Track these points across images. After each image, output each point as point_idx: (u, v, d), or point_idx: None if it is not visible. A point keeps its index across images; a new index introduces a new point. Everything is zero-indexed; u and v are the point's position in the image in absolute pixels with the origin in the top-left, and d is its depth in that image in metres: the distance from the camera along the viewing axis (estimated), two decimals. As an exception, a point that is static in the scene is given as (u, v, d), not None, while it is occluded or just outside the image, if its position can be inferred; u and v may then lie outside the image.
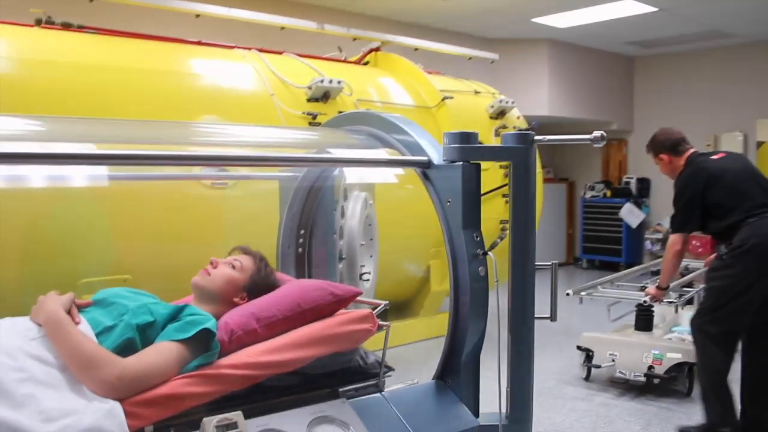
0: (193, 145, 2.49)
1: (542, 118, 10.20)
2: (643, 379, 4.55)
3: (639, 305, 4.74)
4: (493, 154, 2.26)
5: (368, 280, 3.25)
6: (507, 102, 6.38)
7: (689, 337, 4.53)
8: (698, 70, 11.07)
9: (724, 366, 3.75)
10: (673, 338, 4.90)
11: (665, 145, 4.01)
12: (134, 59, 4.59)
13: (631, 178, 11.45)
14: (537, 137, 2.10)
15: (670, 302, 4.71)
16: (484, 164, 2.11)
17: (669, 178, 4.09)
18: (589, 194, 11.44)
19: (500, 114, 6.39)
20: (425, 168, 2.15)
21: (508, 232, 6.18)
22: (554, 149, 12.11)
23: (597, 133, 2.06)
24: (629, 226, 10.80)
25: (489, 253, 2.07)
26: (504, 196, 6.18)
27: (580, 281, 10.26)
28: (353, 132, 2.40)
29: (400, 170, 2.66)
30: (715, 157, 3.95)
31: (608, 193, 11.32)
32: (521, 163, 2.08)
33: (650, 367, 4.51)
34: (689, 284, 5.21)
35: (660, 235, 10.73)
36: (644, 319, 4.90)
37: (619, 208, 10.82)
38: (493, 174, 5.92)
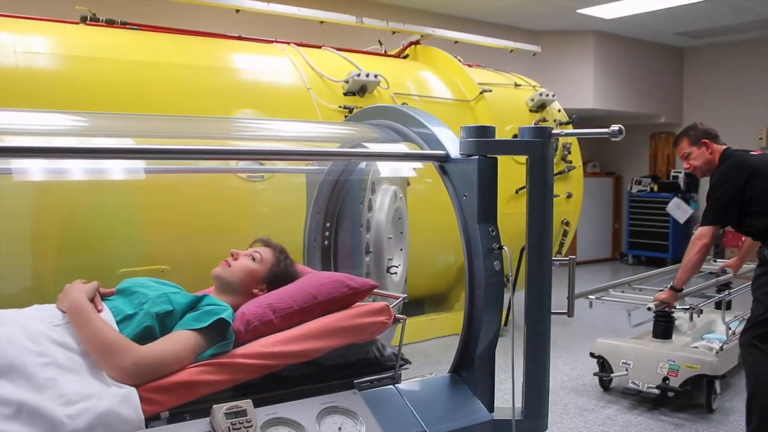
0: (218, 140, 2.56)
1: (588, 111, 10.08)
2: (656, 391, 4.18)
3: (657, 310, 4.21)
4: (510, 147, 2.25)
5: (396, 273, 3.27)
6: (547, 95, 6.32)
7: (717, 346, 4.36)
8: (751, 60, 10.77)
9: None
10: (700, 347, 4.53)
11: (710, 133, 3.78)
12: (175, 55, 4.69)
13: (680, 172, 11.21)
14: (555, 131, 2.09)
15: (686, 309, 4.31)
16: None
17: (698, 175, 3.87)
18: (635, 189, 11.25)
19: (540, 107, 6.33)
20: (443, 162, 2.16)
21: (570, 231, 6.16)
22: (601, 143, 11.93)
23: (615, 127, 2.03)
24: (677, 221, 10.58)
25: (504, 247, 2.07)
26: (569, 196, 6.20)
27: (624, 277, 10.12)
28: (374, 126, 2.43)
29: (431, 163, 2.68)
30: (754, 152, 3.76)
31: (655, 188, 11.12)
32: (538, 157, 2.07)
33: (665, 379, 4.15)
34: (724, 285, 4.83)
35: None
36: (663, 326, 4.48)
37: (667, 202, 10.59)
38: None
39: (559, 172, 6.28)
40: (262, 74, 4.94)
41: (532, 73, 7.64)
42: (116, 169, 2.80)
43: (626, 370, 4.32)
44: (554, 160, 6.32)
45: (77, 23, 4.65)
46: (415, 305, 5.67)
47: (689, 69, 11.53)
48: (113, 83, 4.31)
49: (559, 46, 9.93)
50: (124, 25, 4.75)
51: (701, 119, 11.92)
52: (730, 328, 4.44)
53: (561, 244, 6.52)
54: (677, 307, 4.16)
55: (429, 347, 5.06)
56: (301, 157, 2.42)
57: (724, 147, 3.75)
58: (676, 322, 4.70)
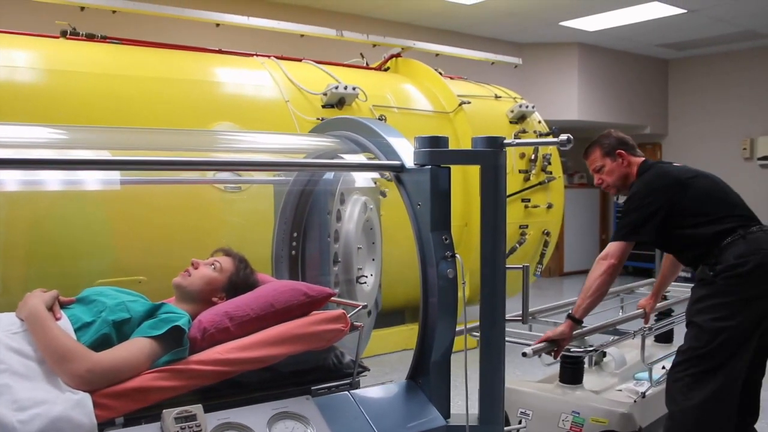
0: (189, 152, 2.60)
1: (572, 123, 10.16)
2: None
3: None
4: (462, 157, 2.29)
5: (365, 282, 3.30)
6: (527, 106, 6.39)
7: (642, 389, 3.64)
8: (734, 71, 10.88)
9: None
10: (625, 391, 3.70)
11: (626, 142, 3.31)
12: (156, 68, 4.74)
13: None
14: (506, 141, 2.14)
15: (583, 352, 3.49)
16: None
17: (611, 192, 3.38)
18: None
19: (520, 118, 6.40)
20: (398, 171, 2.20)
21: (527, 236, 6.18)
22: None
23: (563, 137, 2.09)
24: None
25: (457, 255, 2.11)
26: (524, 200, 6.23)
27: (616, 282, 10.12)
28: (335, 137, 2.47)
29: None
30: (676, 164, 3.31)
31: (641, 198, 11.17)
32: (490, 166, 2.12)
33: None
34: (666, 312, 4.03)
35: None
36: (570, 369, 3.61)
37: (653, 213, 10.68)
38: (512, 179, 5.96)
39: (539, 183, 6.33)
40: (241, 87, 4.99)
41: (515, 85, 7.73)
42: (94, 181, 2.85)
43: (523, 421, 3.53)
44: (534, 170, 6.38)
45: (58, 37, 4.70)
46: (395, 315, 5.70)
47: (673, 80, 11.64)
48: (94, 97, 4.35)
49: (543, 58, 10.03)
50: (104, 39, 4.81)
51: (686, 130, 12.06)
52: (664, 367, 3.69)
53: (542, 255, 6.56)
54: (573, 349, 3.33)
55: (408, 356, 5.07)
56: (258, 168, 2.47)
57: (642, 159, 3.31)
58: (605, 358, 4.11)
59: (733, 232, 3.00)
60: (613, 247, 3.09)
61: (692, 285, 3.20)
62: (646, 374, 3.75)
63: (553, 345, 3.01)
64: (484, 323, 2.15)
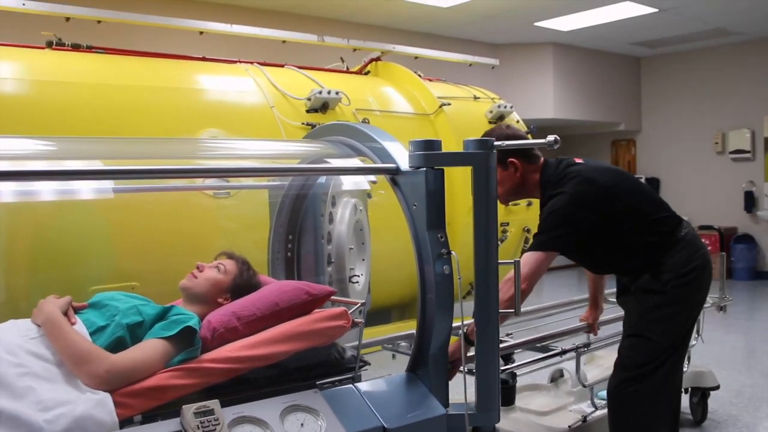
0: (181, 159, 2.69)
1: (548, 121, 10.34)
2: None
3: None
4: (455, 159, 2.40)
5: (357, 282, 3.41)
6: (506, 107, 6.52)
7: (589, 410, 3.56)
8: (705, 68, 11.15)
9: None
10: (575, 412, 3.59)
11: (519, 149, 2.91)
12: (141, 77, 4.80)
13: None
14: (496, 143, 2.25)
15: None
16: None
17: (500, 200, 2.87)
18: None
19: (499, 119, 6.53)
20: (394, 174, 2.31)
21: (508, 234, 6.28)
22: (564, 152, 12.20)
23: (551, 138, 2.21)
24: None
25: (452, 252, 2.22)
26: (529, 204, 6.37)
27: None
28: (330, 142, 2.58)
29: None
30: (577, 161, 3.06)
31: (617, 194, 11.39)
32: (482, 167, 2.23)
33: None
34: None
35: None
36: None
37: (629, 208, 10.90)
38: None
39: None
40: (226, 94, 5.06)
41: (492, 86, 7.86)
42: (85, 190, 2.92)
43: None
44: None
45: (43, 48, 4.74)
46: (382, 314, 5.80)
47: (646, 77, 11.89)
48: (80, 107, 4.40)
49: (518, 59, 10.20)
50: (89, 49, 4.85)
51: (659, 126, 12.29)
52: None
53: (523, 251, 6.70)
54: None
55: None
56: (258, 174, 2.56)
57: (542, 162, 3.03)
58: (564, 370, 4.03)
59: (672, 236, 2.94)
60: (529, 258, 2.78)
61: (623, 296, 3.12)
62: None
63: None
64: (479, 316, 2.26)
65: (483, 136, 2.96)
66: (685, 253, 2.91)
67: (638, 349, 2.93)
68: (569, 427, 3.45)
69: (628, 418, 2.93)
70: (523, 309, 3.77)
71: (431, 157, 2.23)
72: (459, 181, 4.07)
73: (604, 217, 2.88)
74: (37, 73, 4.45)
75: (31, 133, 3.94)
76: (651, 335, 2.89)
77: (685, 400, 4.24)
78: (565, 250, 2.94)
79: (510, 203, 3.23)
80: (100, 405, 1.83)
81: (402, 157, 2.33)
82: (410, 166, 2.27)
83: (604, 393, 3.53)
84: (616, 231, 2.94)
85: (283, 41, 5.98)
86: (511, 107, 6.64)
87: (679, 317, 2.93)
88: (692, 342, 4.09)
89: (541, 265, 2.78)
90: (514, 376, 3.60)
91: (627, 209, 2.94)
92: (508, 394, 3.53)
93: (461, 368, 2.33)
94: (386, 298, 5.39)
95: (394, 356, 3.19)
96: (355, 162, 2.43)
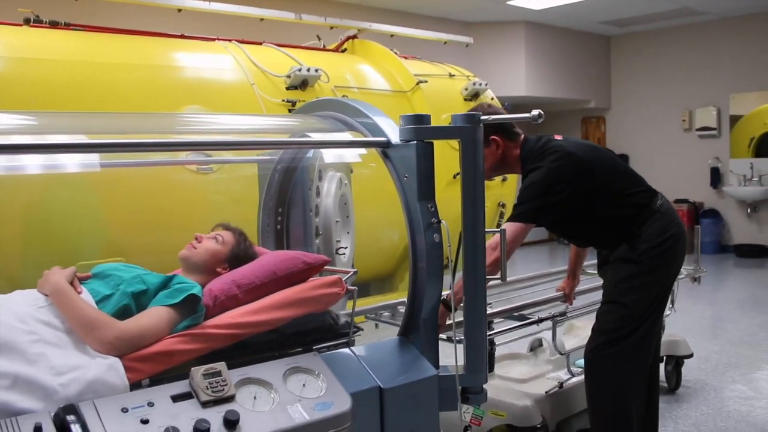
0: (172, 134, 2.74)
1: (520, 99, 10.47)
2: None
3: None
4: (444, 133, 2.50)
5: (344, 254, 3.51)
6: (480, 84, 6.63)
7: (566, 378, 3.67)
8: (673, 47, 11.34)
9: (637, 411, 3.09)
10: (551, 379, 3.71)
11: (500, 125, 3.04)
12: (120, 54, 4.81)
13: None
14: (483, 117, 2.35)
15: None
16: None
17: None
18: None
19: (474, 96, 6.63)
20: (385, 147, 2.40)
21: (506, 213, 6.39)
22: (535, 129, 12.39)
23: (535, 112, 2.30)
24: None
25: (442, 221, 2.32)
26: (504, 179, 6.51)
27: (560, 256, 10.59)
28: (321, 117, 2.66)
29: (371, 151, 2.89)
30: (556, 137, 3.17)
31: (587, 170, 11.60)
32: (469, 141, 2.32)
33: (467, 428, 3.36)
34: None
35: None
36: None
37: (599, 184, 11.11)
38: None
39: (495, 158, 6.59)
40: (205, 71, 5.09)
41: (466, 64, 7.95)
42: (70, 165, 2.94)
43: None
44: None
45: (21, 25, 4.72)
46: (362, 288, 5.91)
47: (616, 56, 12.07)
48: (59, 84, 4.40)
49: (491, 37, 10.30)
50: (68, 26, 4.84)
51: (628, 104, 12.49)
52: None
53: (498, 225, 6.84)
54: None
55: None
56: (254, 147, 2.62)
57: (522, 138, 3.14)
58: (543, 340, 4.14)
59: (647, 208, 3.06)
60: (513, 227, 2.88)
61: (603, 267, 3.23)
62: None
63: None
64: (467, 283, 2.37)
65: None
66: (661, 224, 3.03)
67: (613, 315, 3.06)
68: (546, 392, 3.57)
69: (602, 380, 3.07)
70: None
71: (421, 130, 2.32)
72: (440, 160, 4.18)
73: (581, 191, 3.00)
74: (15, 50, 4.44)
75: (8, 108, 3.95)
76: (625, 302, 3.02)
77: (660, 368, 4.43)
78: (543, 223, 3.08)
79: (489, 179, 3.24)
80: (111, 369, 1.90)
81: (392, 131, 2.42)
82: (401, 140, 2.36)
83: (581, 361, 3.75)
84: (592, 204, 3.06)
85: (261, 19, 6.01)
86: (486, 85, 6.75)
87: (653, 286, 3.04)
88: (666, 312, 4.28)
89: (518, 236, 2.92)
90: (492, 343, 3.72)
91: (603, 184, 3.06)
92: (488, 361, 3.60)
93: (452, 333, 2.43)
94: (365, 273, 5.50)
95: (377, 326, 3.30)
96: (347, 136, 2.51)
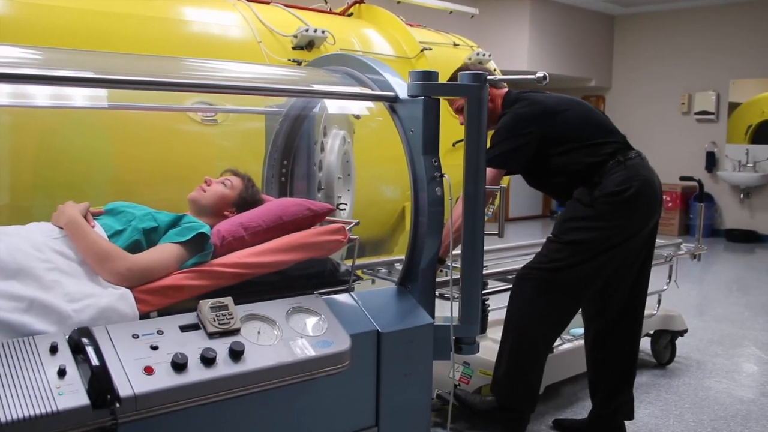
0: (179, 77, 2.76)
1: (522, 72, 10.50)
2: (436, 400, 3.31)
3: None
4: (451, 90, 2.56)
5: (344, 210, 3.58)
6: (484, 54, 6.65)
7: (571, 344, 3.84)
8: (675, 29, 11.35)
9: (545, 345, 3.24)
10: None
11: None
12: (128, 4, 4.82)
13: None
14: (489, 76, 2.42)
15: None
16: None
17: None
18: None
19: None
20: (393, 102, 2.47)
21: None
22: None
23: (540, 73, 2.38)
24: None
25: (445, 175, 2.40)
26: None
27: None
28: (332, 71, 2.71)
29: (380, 118, 2.94)
30: (546, 93, 3.32)
31: (585, 148, 11.67)
32: (475, 98, 2.39)
33: (456, 386, 3.39)
34: None
35: (633, 190, 11.13)
36: None
37: (595, 162, 11.18)
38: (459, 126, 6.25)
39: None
40: (213, 27, 5.11)
41: (470, 34, 7.96)
42: (79, 101, 2.88)
43: None
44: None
45: (29, -29, 4.72)
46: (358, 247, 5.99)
47: (619, 35, 12.07)
48: (64, 31, 4.39)
49: (496, 10, 10.29)
50: (77, -26, 4.85)
51: (629, 84, 12.50)
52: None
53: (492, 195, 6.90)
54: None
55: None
56: (264, 93, 2.66)
57: (505, 90, 3.30)
58: None
59: (613, 158, 3.07)
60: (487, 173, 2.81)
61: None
62: (581, 330, 3.68)
63: None
64: (466, 237, 2.45)
65: (454, 73, 3.20)
66: (623, 175, 3.04)
67: (551, 247, 3.15)
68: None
69: (516, 301, 3.17)
70: (491, 247, 4.06)
71: (429, 86, 2.39)
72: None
73: (548, 137, 3.08)
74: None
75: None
76: (566, 239, 3.09)
77: (645, 342, 4.56)
78: (513, 168, 3.16)
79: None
80: (123, 299, 1.98)
81: (400, 87, 2.48)
82: (409, 95, 2.42)
83: (574, 330, 3.97)
84: (560, 152, 3.12)
85: (269, -22, 6.00)
86: (490, 56, 6.78)
87: (601, 232, 3.04)
88: (664, 286, 4.42)
89: (490, 182, 2.87)
90: (486, 305, 3.82)
91: (569, 129, 3.12)
92: (481, 323, 3.73)
93: (447, 290, 2.49)
94: (361, 234, 5.58)
95: (373, 281, 3.39)
96: (356, 89, 2.57)
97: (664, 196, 3.38)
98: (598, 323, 3.38)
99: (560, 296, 3.13)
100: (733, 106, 11.00)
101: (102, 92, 2.77)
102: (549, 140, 3.09)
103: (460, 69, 3.21)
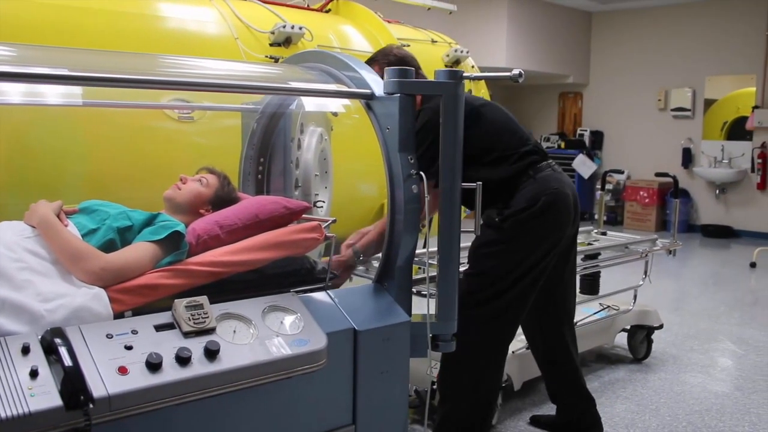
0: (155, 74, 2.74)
1: (500, 69, 10.50)
2: (414, 397, 3.36)
3: None
4: (427, 87, 2.56)
5: (322, 207, 3.58)
6: (462, 51, 6.67)
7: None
8: (652, 26, 11.45)
9: (495, 385, 3.11)
10: (518, 340, 3.61)
11: (408, 63, 2.92)
12: (101, 0, 4.77)
13: (585, 130, 11.90)
14: (465, 74, 2.42)
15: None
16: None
17: None
18: (544, 145, 11.82)
19: (455, 63, 6.68)
20: (369, 99, 2.46)
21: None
22: (514, 102, 12.47)
23: (516, 71, 2.38)
24: (581, 176, 11.23)
25: (422, 173, 2.40)
26: None
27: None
28: (308, 68, 2.70)
29: (357, 115, 2.93)
30: None
31: (562, 145, 11.77)
32: (451, 96, 2.39)
33: (433, 383, 3.25)
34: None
35: (611, 186, 11.22)
36: None
37: (573, 159, 11.24)
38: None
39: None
40: (189, 23, 5.07)
41: (448, 31, 7.98)
42: (53, 98, 2.85)
43: None
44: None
45: (2, -34, 4.66)
46: (335, 245, 5.99)
47: (596, 32, 12.15)
48: (38, 27, 4.34)
49: (475, 6, 10.31)
50: (50, -31, 4.79)
51: (606, 81, 12.58)
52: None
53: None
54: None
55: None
56: (239, 90, 2.65)
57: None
58: None
59: (525, 174, 2.91)
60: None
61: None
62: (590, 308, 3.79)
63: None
64: (442, 235, 2.45)
65: (374, 57, 3.10)
66: (533, 192, 2.90)
67: (469, 281, 2.94)
68: (513, 352, 3.70)
69: (462, 345, 2.62)
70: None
71: (405, 84, 2.38)
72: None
73: (467, 138, 2.45)
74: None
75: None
76: (481, 269, 2.94)
77: (622, 337, 4.60)
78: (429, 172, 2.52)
79: None
80: (96, 298, 1.96)
81: (377, 84, 2.48)
82: (385, 92, 2.42)
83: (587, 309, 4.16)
84: (476, 157, 2.84)
85: (246, -26, 5.97)
86: (467, 52, 6.80)
87: (515, 254, 2.91)
88: (640, 282, 4.46)
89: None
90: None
91: (488, 135, 2.92)
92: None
93: (424, 288, 2.47)
94: (338, 231, 5.57)
95: (350, 278, 3.39)
96: (333, 87, 2.56)
97: (580, 206, 3.14)
98: (537, 343, 3.44)
99: (499, 328, 3.01)
100: (708, 103, 11.11)
101: (76, 89, 2.74)
102: (470, 146, 2.52)
103: (381, 55, 3.06)
